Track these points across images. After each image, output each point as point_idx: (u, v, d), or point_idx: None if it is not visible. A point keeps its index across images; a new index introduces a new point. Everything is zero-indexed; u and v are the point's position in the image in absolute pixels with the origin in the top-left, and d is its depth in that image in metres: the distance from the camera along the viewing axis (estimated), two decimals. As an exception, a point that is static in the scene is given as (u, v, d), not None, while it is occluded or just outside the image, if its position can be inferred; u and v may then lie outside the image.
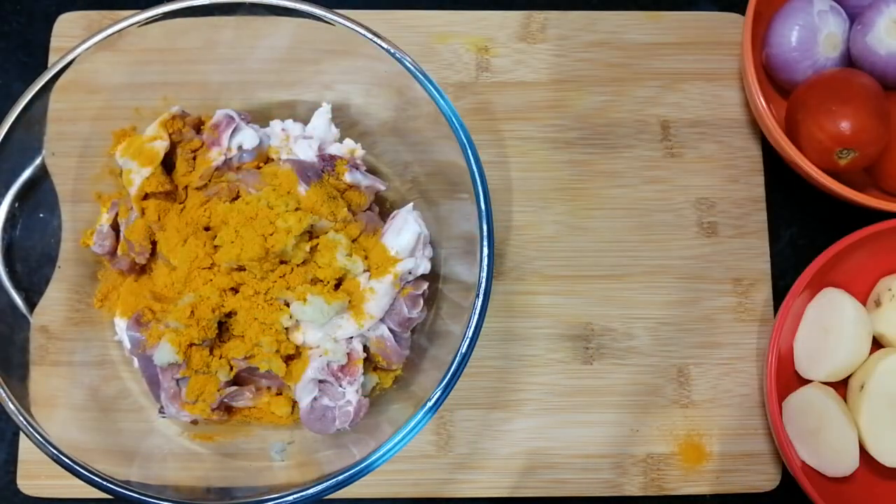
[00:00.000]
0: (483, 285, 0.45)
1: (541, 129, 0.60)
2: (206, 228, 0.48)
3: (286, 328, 0.47)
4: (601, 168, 0.60)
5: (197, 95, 0.52)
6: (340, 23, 0.47)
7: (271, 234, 0.46)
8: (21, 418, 0.44)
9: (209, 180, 0.49)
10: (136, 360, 0.48)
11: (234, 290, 0.47)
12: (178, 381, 0.47)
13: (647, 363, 0.57)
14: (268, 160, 0.51)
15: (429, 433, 0.55)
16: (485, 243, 0.45)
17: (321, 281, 0.47)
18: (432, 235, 0.51)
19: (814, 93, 0.55)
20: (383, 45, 0.47)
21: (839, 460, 0.52)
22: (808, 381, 0.55)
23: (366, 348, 0.49)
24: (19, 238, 0.48)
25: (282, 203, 0.47)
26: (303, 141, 0.51)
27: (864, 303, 0.56)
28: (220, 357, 0.47)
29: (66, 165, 0.50)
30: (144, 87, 0.52)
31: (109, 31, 0.47)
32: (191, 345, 0.46)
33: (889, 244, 0.55)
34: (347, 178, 0.50)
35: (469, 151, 0.46)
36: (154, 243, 0.49)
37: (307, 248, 0.47)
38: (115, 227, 0.51)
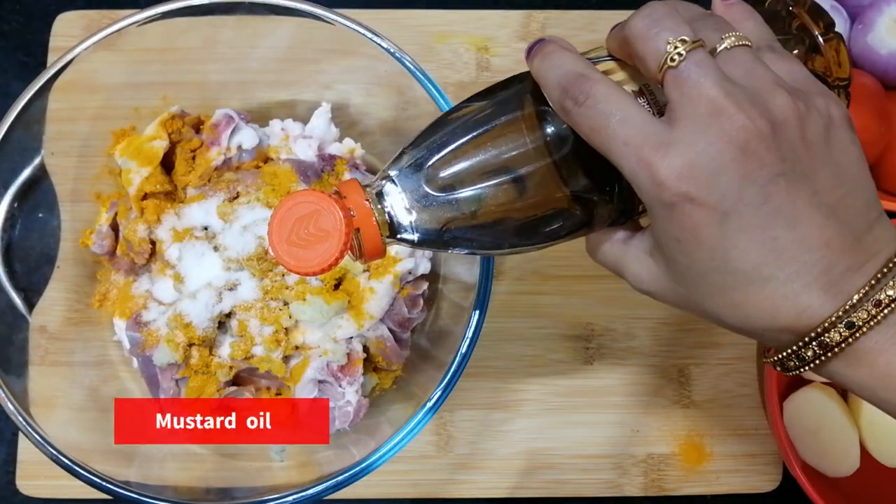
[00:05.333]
0: (483, 285, 0.45)
1: (541, 129, 0.60)
2: (205, 228, 0.48)
3: (286, 328, 0.47)
4: (601, 168, 0.60)
5: (196, 95, 0.52)
6: (340, 22, 0.47)
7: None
8: (20, 418, 0.44)
9: (209, 180, 0.49)
10: (135, 360, 0.48)
11: (234, 290, 0.47)
12: (177, 381, 0.47)
13: (647, 363, 0.57)
14: (267, 160, 0.51)
15: (429, 433, 0.55)
16: (485, 243, 0.45)
17: (321, 281, 0.47)
18: (432, 235, 0.51)
19: (814, 92, 0.54)
20: (383, 44, 0.47)
21: (840, 461, 0.52)
22: (808, 382, 0.55)
23: (366, 348, 0.49)
24: (18, 238, 0.48)
25: (281, 203, 0.47)
26: (302, 140, 0.51)
27: (864, 303, 0.56)
28: (220, 357, 0.47)
29: (66, 165, 0.50)
30: (144, 87, 0.52)
31: (108, 30, 0.47)
32: (190, 345, 0.46)
33: (890, 244, 0.55)
34: (347, 177, 0.50)
35: (469, 151, 0.46)
36: (153, 243, 0.49)
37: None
38: (115, 226, 0.50)
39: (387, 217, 0.30)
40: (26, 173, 0.48)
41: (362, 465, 0.43)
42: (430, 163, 0.30)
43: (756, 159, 0.26)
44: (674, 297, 0.30)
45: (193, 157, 0.50)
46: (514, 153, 0.30)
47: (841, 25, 0.56)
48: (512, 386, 0.56)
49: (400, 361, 0.50)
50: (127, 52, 0.49)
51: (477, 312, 0.45)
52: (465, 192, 0.30)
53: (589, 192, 0.30)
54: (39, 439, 0.43)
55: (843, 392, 0.55)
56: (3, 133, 0.45)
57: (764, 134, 0.26)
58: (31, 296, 0.49)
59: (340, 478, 0.43)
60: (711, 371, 0.57)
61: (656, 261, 0.30)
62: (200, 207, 0.48)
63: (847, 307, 0.26)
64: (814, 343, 0.27)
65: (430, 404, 0.44)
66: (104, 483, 0.43)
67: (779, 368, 0.30)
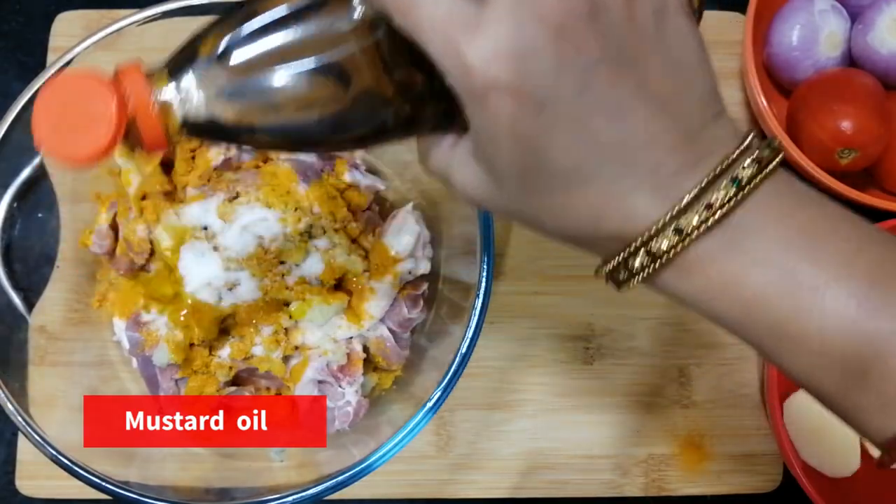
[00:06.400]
0: (483, 285, 0.45)
1: (541, 129, 0.60)
2: (205, 228, 0.48)
3: (286, 328, 0.47)
4: (601, 168, 0.59)
5: (196, 95, 0.52)
6: (340, 22, 0.47)
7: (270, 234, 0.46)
8: (20, 418, 0.44)
9: (208, 180, 0.49)
10: (134, 360, 0.48)
11: (233, 290, 0.47)
12: (177, 381, 0.47)
13: (647, 363, 0.57)
14: (267, 160, 0.51)
15: (429, 434, 0.55)
16: (485, 243, 0.45)
17: (321, 281, 0.47)
18: (432, 235, 0.51)
19: (815, 92, 0.54)
20: (383, 44, 0.46)
21: (840, 461, 0.52)
22: (808, 382, 0.55)
23: (365, 349, 0.49)
24: (18, 238, 0.48)
25: (281, 203, 0.47)
26: (302, 140, 0.51)
27: (865, 303, 0.56)
28: (220, 357, 0.47)
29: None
30: (143, 87, 0.52)
31: (108, 30, 0.46)
32: (190, 345, 0.46)
33: (890, 244, 0.55)
34: (347, 177, 0.50)
35: (469, 151, 0.46)
36: (153, 243, 0.49)
37: (306, 247, 0.47)
38: (114, 227, 0.50)
39: (172, 104, 0.26)
40: (26, 173, 0.48)
41: (362, 466, 0.43)
42: (227, 40, 0.27)
43: (573, 42, 0.23)
44: (497, 204, 0.28)
45: (193, 157, 0.50)
46: (323, 34, 0.26)
47: (841, 25, 0.56)
48: (512, 386, 0.56)
49: (400, 361, 0.50)
50: (127, 51, 0.48)
51: (477, 312, 0.44)
52: (265, 78, 0.26)
53: (407, 84, 0.27)
54: (39, 439, 0.43)
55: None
56: (2, 133, 0.45)
57: (582, 14, 0.23)
58: (31, 296, 0.49)
59: (340, 478, 0.43)
60: (712, 371, 0.57)
61: (479, 163, 0.27)
62: (200, 207, 0.48)
63: (676, 211, 0.24)
64: (641, 251, 0.25)
65: (430, 404, 0.44)
66: (104, 483, 0.43)
67: (609, 283, 0.27)
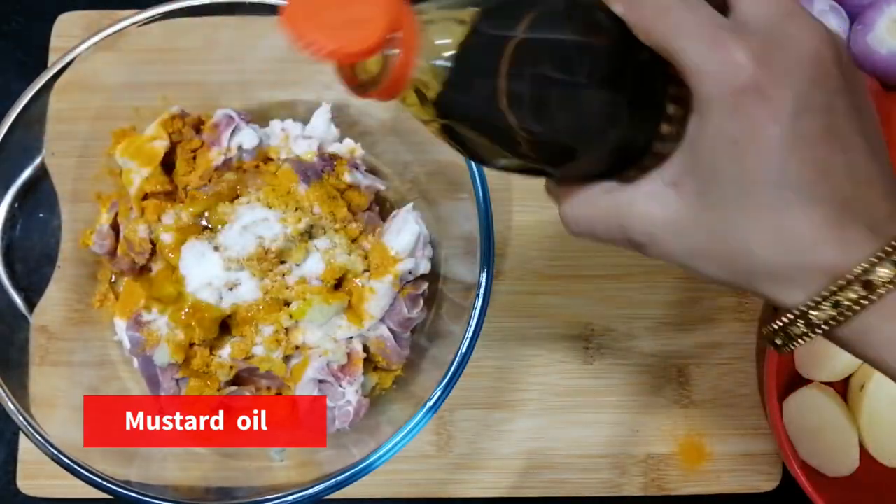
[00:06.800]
0: (483, 285, 0.45)
1: (541, 129, 0.60)
2: (206, 227, 0.48)
3: (286, 328, 0.47)
4: (601, 168, 0.59)
5: (197, 95, 0.52)
6: (340, 22, 0.47)
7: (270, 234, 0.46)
8: (21, 418, 0.44)
9: (209, 180, 0.49)
10: (135, 360, 0.48)
11: (234, 290, 0.47)
12: (177, 381, 0.47)
13: (647, 363, 0.57)
14: (267, 160, 0.51)
15: (429, 433, 0.55)
16: (485, 243, 0.45)
17: (321, 281, 0.47)
18: (432, 235, 0.51)
19: (814, 93, 0.54)
20: (383, 44, 0.47)
21: (839, 460, 0.52)
22: (808, 381, 0.55)
23: (366, 348, 0.49)
24: (19, 238, 0.48)
25: (281, 203, 0.47)
26: (302, 140, 0.51)
27: (864, 303, 0.56)
28: (220, 357, 0.47)
29: (66, 165, 0.50)
30: (144, 87, 0.52)
31: (109, 31, 0.47)
32: (191, 345, 0.46)
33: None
34: (347, 177, 0.50)
35: (469, 151, 0.46)
36: (154, 243, 0.49)
37: (306, 248, 0.47)
38: (115, 227, 0.51)
39: (432, 52, 0.24)
40: (27, 173, 0.48)
41: (362, 465, 0.43)
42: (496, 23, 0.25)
43: (825, 68, 0.25)
44: (694, 233, 0.26)
45: (194, 157, 0.50)
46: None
47: (841, 25, 0.56)
48: (512, 386, 0.56)
49: (400, 361, 0.50)
50: (127, 52, 0.49)
51: (477, 312, 0.45)
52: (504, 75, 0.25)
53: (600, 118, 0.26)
54: (40, 439, 0.43)
55: (843, 392, 0.55)
56: (3, 133, 0.46)
57: (836, 46, 0.25)
58: (32, 296, 0.49)
59: (340, 477, 0.43)
60: (711, 371, 0.57)
61: (681, 189, 0.26)
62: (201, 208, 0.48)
63: (891, 247, 0.24)
64: (856, 284, 0.24)
65: (430, 404, 0.44)
66: (104, 482, 0.43)
67: (801, 326, 0.27)
